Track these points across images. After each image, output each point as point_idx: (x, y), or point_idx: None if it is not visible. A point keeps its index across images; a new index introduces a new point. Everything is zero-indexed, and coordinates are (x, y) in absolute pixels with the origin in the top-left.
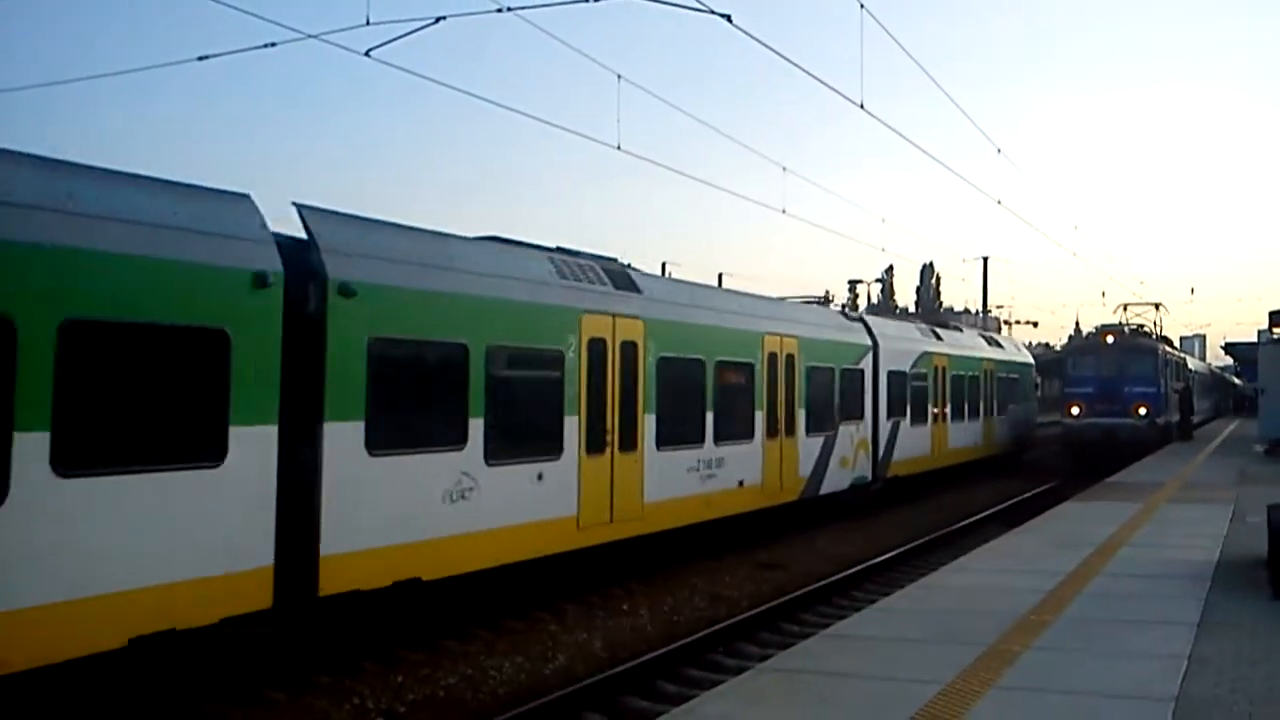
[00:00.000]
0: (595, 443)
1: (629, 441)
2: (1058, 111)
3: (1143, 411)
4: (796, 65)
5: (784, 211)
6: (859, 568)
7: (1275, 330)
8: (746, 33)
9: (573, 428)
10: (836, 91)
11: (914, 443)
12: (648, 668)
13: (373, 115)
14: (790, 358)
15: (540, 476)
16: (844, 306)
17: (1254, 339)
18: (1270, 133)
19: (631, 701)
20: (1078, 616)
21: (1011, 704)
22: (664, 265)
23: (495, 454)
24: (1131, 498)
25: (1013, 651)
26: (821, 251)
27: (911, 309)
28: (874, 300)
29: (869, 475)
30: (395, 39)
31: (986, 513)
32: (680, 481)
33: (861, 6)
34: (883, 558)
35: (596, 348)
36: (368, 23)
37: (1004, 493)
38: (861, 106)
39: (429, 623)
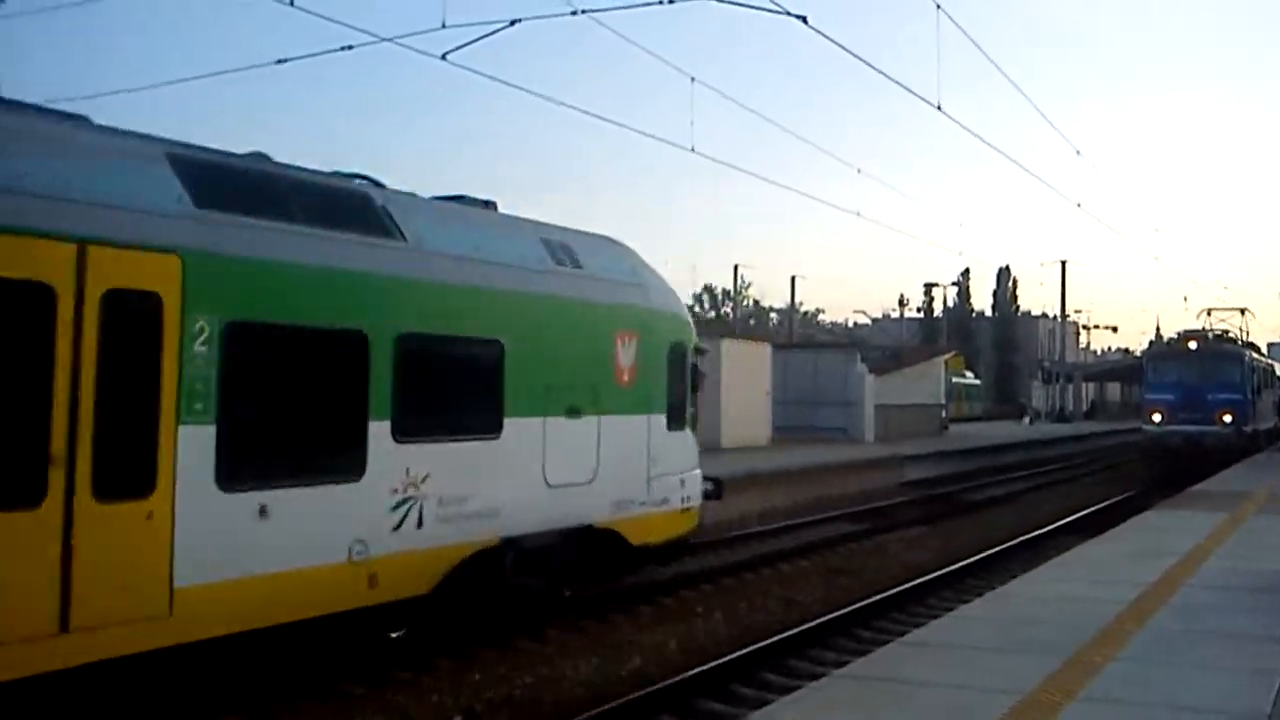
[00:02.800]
0: None
1: None
2: (1139, 112)
3: (1228, 419)
4: (872, 66)
5: (859, 214)
6: (933, 575)
7: None
8: (822, 34)
9: None
10: (912, 93)
11: None
12: (723, 671)
13: (450, 118)
14: None
15: None
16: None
17: None
18: None
19: (706, 705)
20: (1162, 628)
21: (1094, 716)
22: (736, 268)
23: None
24: (1217, 507)
25: (1094, 662)
26: (897, 255)
27: (989, 313)
28: (950, 304)
29: None
30: (471, 42)
31: (1061, 522)
32: None
33: (938, 7)
34: (956, 566)
35: None
36: (443, 26)
37: (1080, 501)
38: (938, 108)
39: (503, 621)
